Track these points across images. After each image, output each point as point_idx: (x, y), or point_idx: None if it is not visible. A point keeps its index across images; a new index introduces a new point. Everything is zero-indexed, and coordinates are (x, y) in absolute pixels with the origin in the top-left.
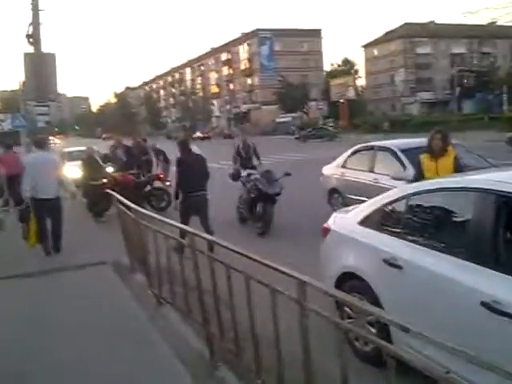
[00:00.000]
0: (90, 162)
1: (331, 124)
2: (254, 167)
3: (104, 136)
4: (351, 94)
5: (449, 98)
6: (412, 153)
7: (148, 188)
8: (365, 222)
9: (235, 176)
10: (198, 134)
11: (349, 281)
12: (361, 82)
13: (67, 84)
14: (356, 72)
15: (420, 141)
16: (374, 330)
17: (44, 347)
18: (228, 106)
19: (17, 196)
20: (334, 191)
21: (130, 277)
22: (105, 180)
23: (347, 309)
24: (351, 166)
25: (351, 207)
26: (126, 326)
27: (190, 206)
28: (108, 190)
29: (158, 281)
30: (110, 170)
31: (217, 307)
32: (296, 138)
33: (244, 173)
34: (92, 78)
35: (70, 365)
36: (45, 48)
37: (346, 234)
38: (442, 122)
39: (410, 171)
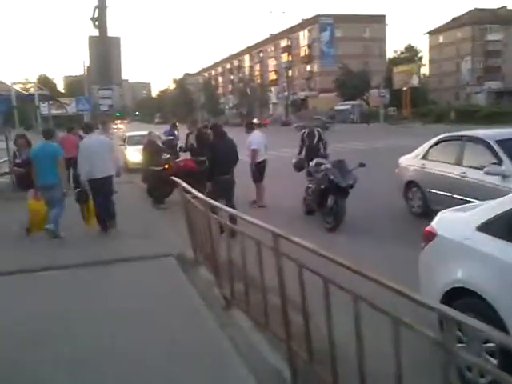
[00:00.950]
0: (151, 147)
1: (393, 113)
2: (323, 156)
3: (157, 121)
4: (415, 82)
5: None
6: (509, 145)
7: None
8: (487, 227)
9: (298, 166)
10: (255, 120)
11: (461, 298)
12: (424, 70)
13: (129, 70)
14: (420, 59)
15: None
16: (493, 360)
17: (97, 345)
18: (286, 93)
19: (74, 178)
20: (411, 184)
21: (194, 272)
22: (166, 166)
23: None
24: (434, 158)
25: (459, 207)
26: (193, 332)
27: (219, 187)
28: (173, 177)
29: (228, 281)
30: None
31: (306, 322)
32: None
33: (312, 162)
34: (153, 64)
35: (129, 368)
36: (109, 32)
37: (459, 242)
38: None
39: (508, 165)
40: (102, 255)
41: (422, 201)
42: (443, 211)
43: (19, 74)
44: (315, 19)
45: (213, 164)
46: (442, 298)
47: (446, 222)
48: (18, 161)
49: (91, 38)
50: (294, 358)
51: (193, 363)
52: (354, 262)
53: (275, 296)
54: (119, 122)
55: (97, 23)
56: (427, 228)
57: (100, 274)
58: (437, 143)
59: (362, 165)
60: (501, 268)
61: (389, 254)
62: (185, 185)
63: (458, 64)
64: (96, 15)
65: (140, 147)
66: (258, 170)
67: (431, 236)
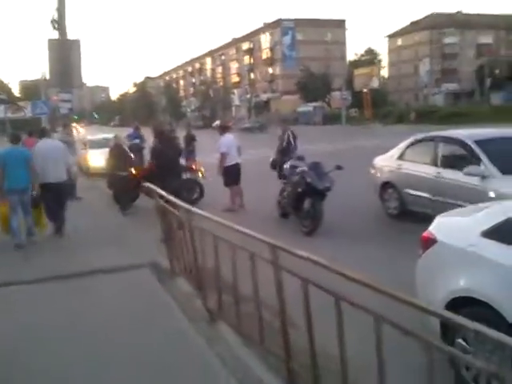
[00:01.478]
0: (118, 151)
1: (355, 114)
2: (300, 158)
3: (113, 123)
4: (375, 84)
5: (473, 89)
6: (489, 145)
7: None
8: (493, 233)
9: (273, 164)
10: (217, 122)
11: (466, 308)
12: (383, 72)
13: (88, 73)
14: (379, 62)
15: (500, 132)
16: None
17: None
18: (248, 96)
19: None
20: (387, 185)
21: (172, 283)
22: (133, 170)
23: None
24: (410, 158)
25: (455, 211)
26: (178, 349)
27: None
28: (145, 183)
29: (215, 293)
30: None
31: (311, 343)
32: None
33: (287, 164)
34: (112, 68)
35: None
36: (68, 35)
37: (463, 248)
38: (470, 114)
39: (488, 166)
40: (71, 267)
41: (399, 202)
42: (440, 215)
43: None
44: (277, 23)
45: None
46: (445, 307)
47: (445, 227)
48: None
49: (51, 41)
50: (295, 380)
51: (181, 382)
52: (370, 277)
53: (266, 309)
54: (77, 125)
55: (56, 26)
56: (425, 234)
57: (70, 287)
58: (413, 143)
59: (338, 167)
60: (509, 275)
61: (370, 256)
62: (160, 191)
63: (416, 66)
64: (56, 17)
65: (102, 151)
66: (231, 174)
67: (430, 242)
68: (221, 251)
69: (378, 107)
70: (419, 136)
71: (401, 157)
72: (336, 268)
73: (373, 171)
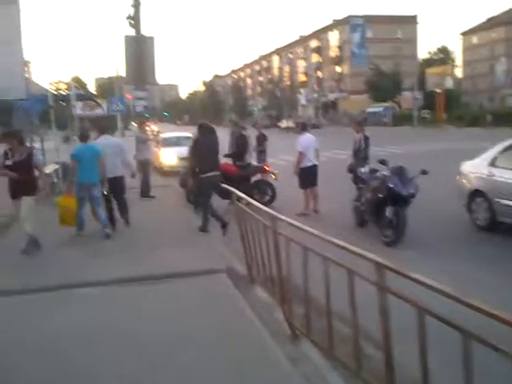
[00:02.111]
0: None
1: (427, 115)
2: (383, 162)
3: (179, 122)
4: (449, 83)
5: None
6: None
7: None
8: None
9: (350, 168)
10: (284, 122)
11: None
12: (457, 72)
13: (158, 71)
14: (453, 61)
15: None
16: None
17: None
18: (315, 95)
19: None
20: (476, 194)
21: (250, 292)
22: None
23: None
24: (504, 165)
25: None
26: (260, 366)
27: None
28: (224, 185)
29: (297, 307)
30: None
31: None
32: None
33: (365, 168)
34: (181, 66)
35: None
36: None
37: None
38: None
39: None
40: (143, 269)
41: (489, 212)
42: None
43: (51, 76)
44: (346, 20)
45: (196, 161)
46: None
47: None
48: (8, 163)
49: (127, 38)
50: None
51: None
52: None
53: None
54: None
55: (132, 22)
56: None
57: (142, 291)
58: (507, 149)
59: (424, 172)
60: None
61: (460, 273)
62: (241, 194)
63: (492, 66)
64: (132, 14)
65: (176, 149)
66: (306, 176)
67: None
68: (310, 264)
69: (451, 109)
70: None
71: (493, 163)
72: (466, 300)
73: (459, 178)
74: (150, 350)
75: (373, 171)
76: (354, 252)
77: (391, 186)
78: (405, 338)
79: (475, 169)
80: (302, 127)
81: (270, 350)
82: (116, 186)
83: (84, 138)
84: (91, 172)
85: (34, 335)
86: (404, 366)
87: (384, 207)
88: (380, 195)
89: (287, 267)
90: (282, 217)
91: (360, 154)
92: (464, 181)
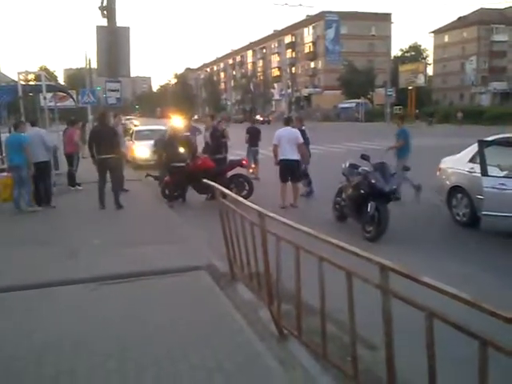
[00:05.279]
0: (172, 143)
1: (399, 111)
2: (364, 157)
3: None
4: (421, 81)
5: None
6: None
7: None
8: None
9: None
10: (258, 117)
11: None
12: (428, 69)
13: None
14: (425, 58)
15: None
16: None
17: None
18: (289, 90)
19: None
20: (457, 190)
21: (232, 290)
22: (182, 164)
23: None
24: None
25: None
26: (248, 370)
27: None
28: (206, 180)
29: (285, 307)
30: None
31: None
32: None
33: (345, 164)
34: (154, 59)
35: None
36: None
37: None
38: None
39: None
40: (118, 267)
41: (469, 208)
42: None
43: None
44: (320, 16)
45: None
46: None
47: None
48: None
49: (99, 28)
50: None
51: None
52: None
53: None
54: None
55: (105, 12)
56: None
57: (120, 291)
58: (488, 145)
59: (406, 168)
60: None
61: (446, 269)
62: (223, 188)
63: (462, 64)
64: (105, 4)
65: (149, 143)
66: (282, 169)
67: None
68: (302, 263)
69: (423, 105)
70: (496, 137)
71: (473, 159)
72: (487, 307)
73: (439, 173)
74: (128, 351)
75: (353, 166)
76: (354, 253)
77: (373, 181)
78: (402, 340)
79: (455, 165)
80: (285, 121)
81: (256, 349)
82: (40, 170)
83: (16, 127)
84: (18, 156)
85: None
86: (401, 369)
87: (366, 203)
88: (362, 191)
89: (277, 266)
90: (271, 214)
91: None
92: (443, 177)
